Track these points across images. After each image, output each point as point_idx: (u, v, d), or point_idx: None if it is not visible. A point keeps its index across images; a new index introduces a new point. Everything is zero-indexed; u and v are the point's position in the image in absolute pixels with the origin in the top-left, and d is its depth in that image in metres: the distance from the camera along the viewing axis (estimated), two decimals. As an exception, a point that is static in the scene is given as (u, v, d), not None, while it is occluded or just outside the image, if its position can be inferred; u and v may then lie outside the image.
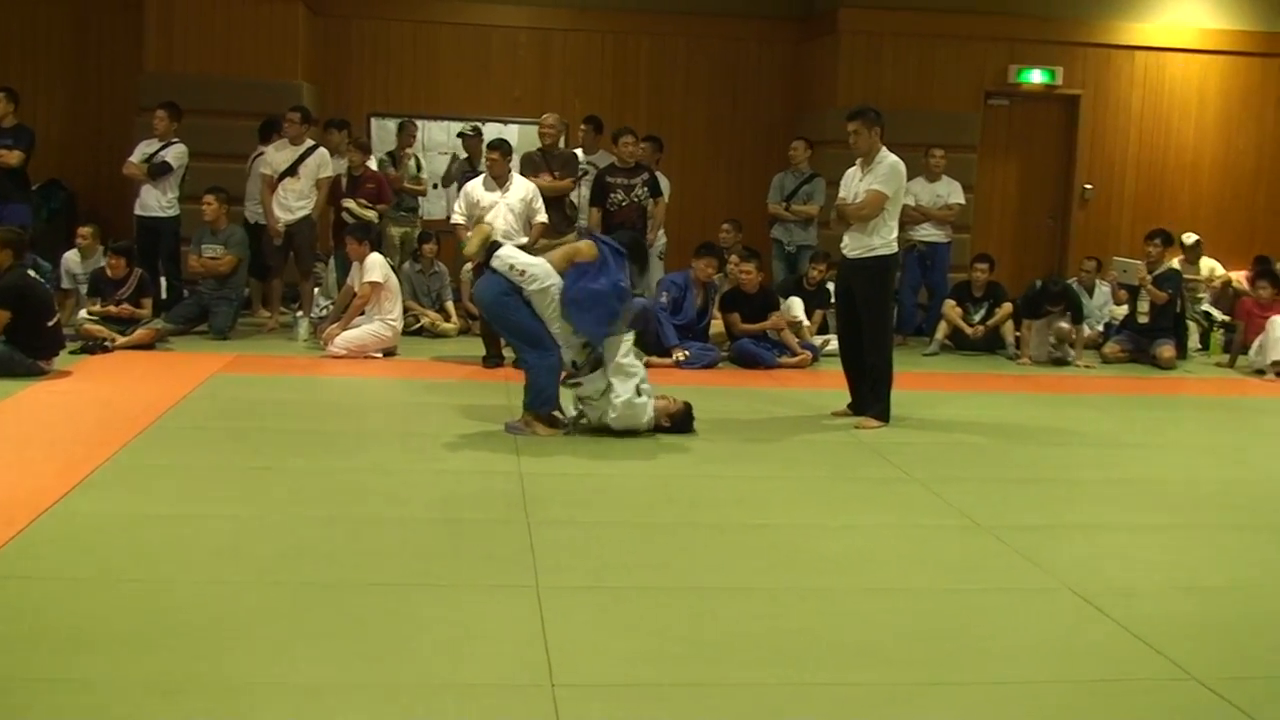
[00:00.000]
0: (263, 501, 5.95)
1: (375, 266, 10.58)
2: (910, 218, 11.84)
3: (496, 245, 7.81)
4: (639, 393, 7.57)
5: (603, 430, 7.67)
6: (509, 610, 4.56)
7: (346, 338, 10.38)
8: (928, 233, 12.61)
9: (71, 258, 11.36)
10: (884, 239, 8.33)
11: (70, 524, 5.42)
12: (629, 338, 7.71)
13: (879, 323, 8.43)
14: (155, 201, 11.62)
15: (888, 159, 8.33)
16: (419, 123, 13.74)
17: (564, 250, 7.86)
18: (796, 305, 11.47)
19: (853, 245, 8.41)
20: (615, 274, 7.65)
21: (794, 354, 10.93)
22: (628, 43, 14.74)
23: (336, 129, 12.25)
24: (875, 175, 8.29)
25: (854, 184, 8.45)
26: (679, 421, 7.83)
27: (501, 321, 7.98)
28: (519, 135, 13.33)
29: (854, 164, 8.53)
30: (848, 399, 8.65)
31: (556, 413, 7.75)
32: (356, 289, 10.55)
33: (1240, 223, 14.99)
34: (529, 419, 7.64)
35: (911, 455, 7.47)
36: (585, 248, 7.77)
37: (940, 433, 8.28)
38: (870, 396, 8.41)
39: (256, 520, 5.64)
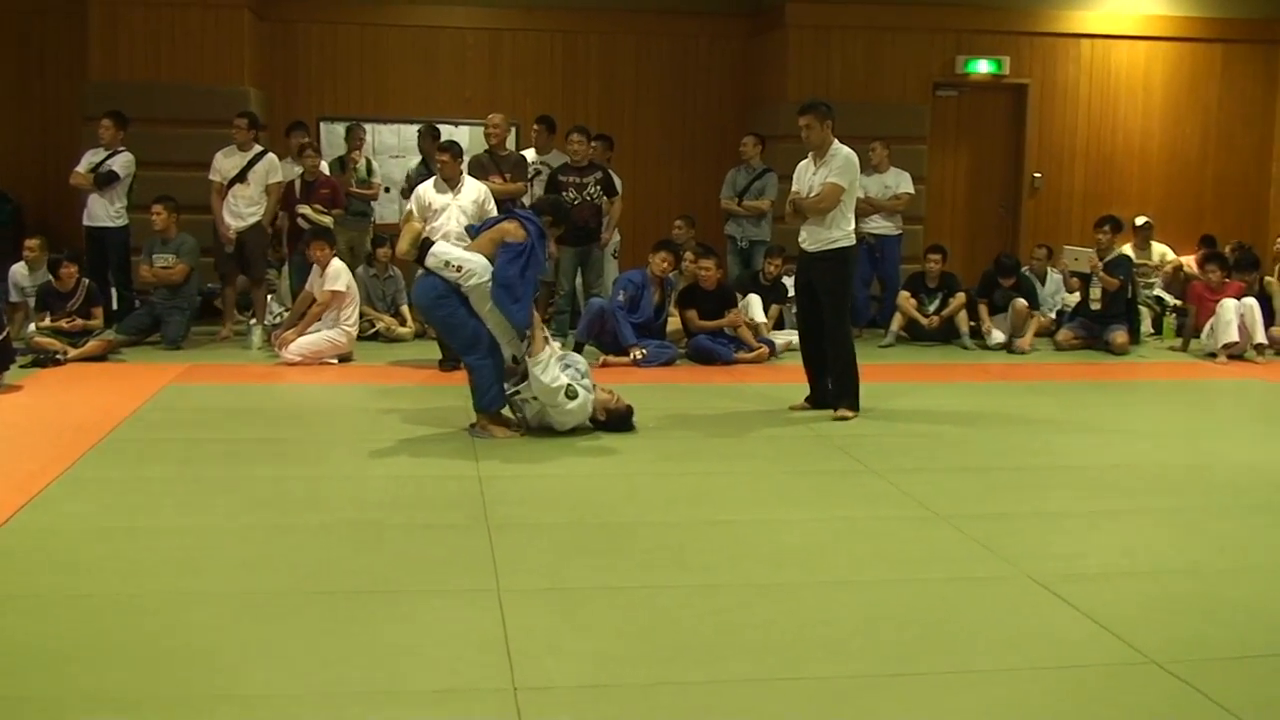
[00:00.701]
0: (218, 512, 5.91)
1: (339, 274, 10.52)
2: (860, 210, 11.88)
3: (429, 244, 7.75)
4: (572, 389, 7.51)
5: (559, 431, 7.66)
6: (470, 614, 4.55)
7: (302, 344, 10.32)
8: (877, 225, 12.64)
9: (19, 270, 11.24)
10: (843, 230, 8.35)
11: (24, 540, 5.37)
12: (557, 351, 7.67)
13: (839, 314, 8.46)
14: (103, 211, 11.52)
15: (841, 151, 8.35)
16: (369, 126, 13.69)
17: (491, 233, 7.74)
18: (755, 304, 11.48)
19: (811, 239, 8.42)
20: (538, 265, 7.68)
21: (751, 349, 10.95)
22: (577, 41, 14.71)
23: (300, 132, 12.17)
24: (830, 168, 8.30)
25: (807, 177, 8.46)
26: (615, 419, 7.79)
27: (440, 323, 7.96)
28: (470, 136, 13.28)
29: (806, 157, 8.55)
30: (805, 393, 8.67)
31: (506, 412, 7.72)
32: (316, 295, 10.47)
33: (1188, 207, 15.12)
34: (482, 421, 7.62)
35: (870, 447, 7.50)
36: (512, 228, 7.65)
37: (898, 424, 8.32)
38: (837, 388, 8.44)
39: (212, 531, 5.60)
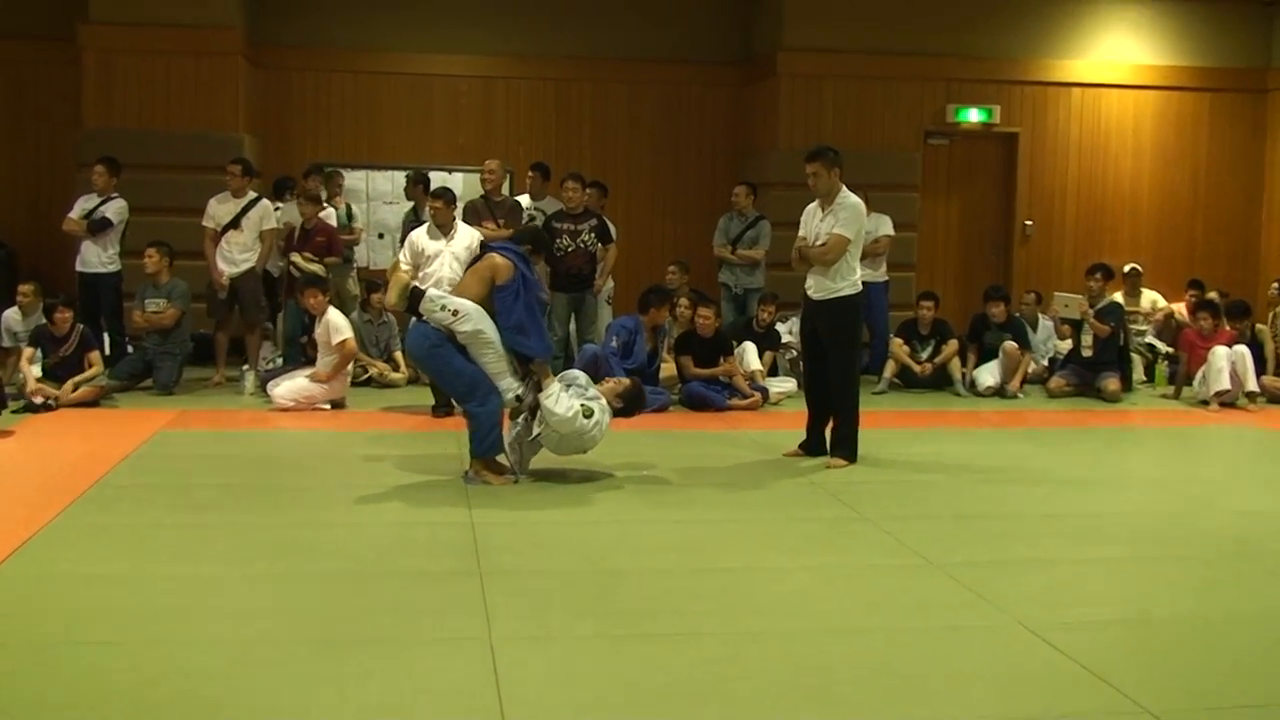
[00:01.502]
0: (210, 559, 5.88)
1: (343, 325, 10.54)
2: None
3: (419, 292, 7.68)
4: (587, 408, 7.47)
5: (555, 477, 7.65)
6: (461, 663, 4.52)
7: (294, 389, 10.32)
8: (862, 272, 12.60)
9: (12, 315, 11.24)
10: (847, 279, 8.37)
11: (14, 587, 5.34)
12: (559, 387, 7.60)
13: (846, 363, 8.46)
14: (96, 257, 11.53)
15: (848, 199, 8.35)
16: (362, 173, 13.74)
17: (480, 273, 7.66)
18: (750, 352, 11.49)
19: (817, 288, 8.43)
20: (535, 287, 7.68)
21: (745, 396, 10.95)
22: (570, 90, 14.80)
23: (317, 177, 12.18)
24: (837, 218, 8.29)
25: (814, 224, 8.46)
26: (631, 401, 7.84)
27: (436, 372, 7.94)
28: (463, 183, 13.33)
29: (812, 201, 8.55)
30: (799, 439, 8.67)
31: (501, 458, 7.70)
32: (321, 345, 10.47)
33: (1179, 254, 15.21)
34: (478, 467, 7.60)
35: (863, 494, 7.49)
36: (503, 266, 7.58)
37: (891, 471, 8.31)
38: (835, 436, 8.44)
39: (204, 579, 5.57)
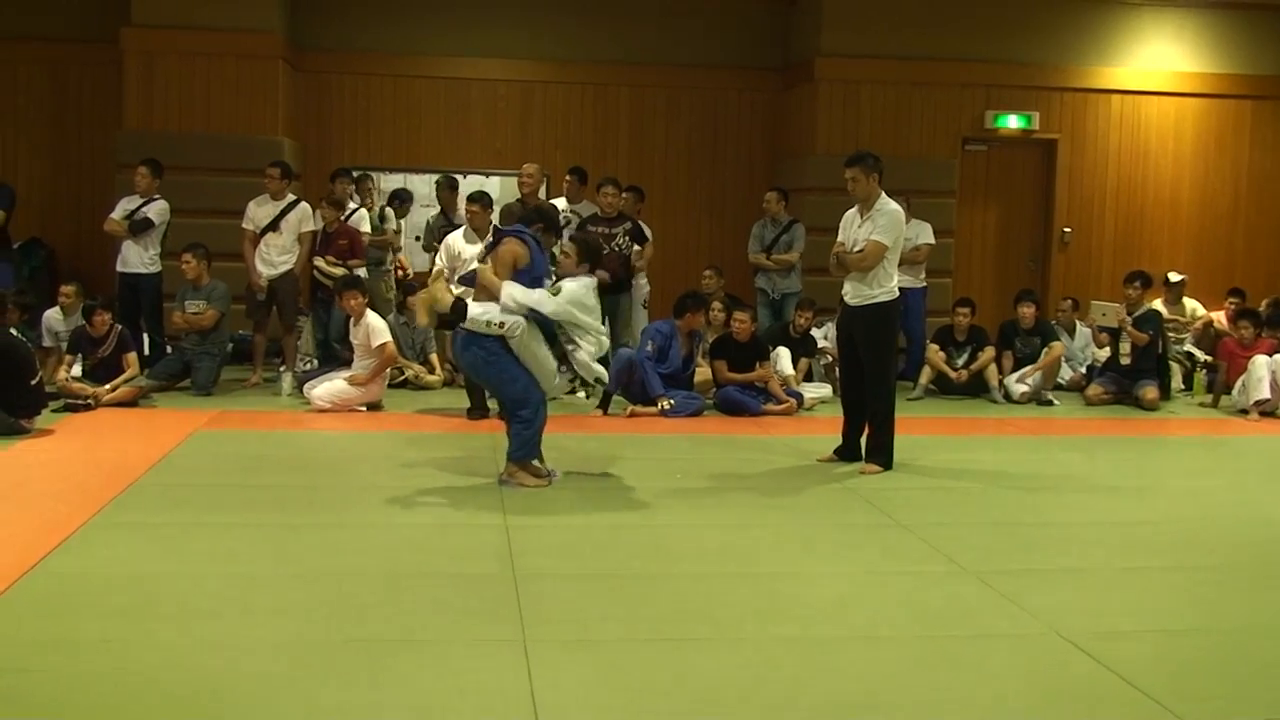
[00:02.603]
0: (245, 559, 5.92)
1: (384, 329, 10.59)
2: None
3: (463, 305, 7.57)
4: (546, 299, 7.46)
5: (590, 480, 7.67)
6: (495, 665, 4.54)
7: (331, 391, 10.37)
8: (900, 279, 12.58)
9: (53, 315, 11.32)
10: (884, 286, 8.36)
11: (52, 584, 5.38)
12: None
13: (881, 369, 8.45)
14: (137, 258, 11.62)
15: (888, 206, 8.34)
16: (400, 176, 13.81)
17: (502, 259, 7.55)
18: (784, 357, 11.46)
19: (854, 294, 8.43)
20: (540, 267, 7.64)
21: (779, 401, 10.93)
22: (608, 94, 14.80)
23: (345, 178, 12.24)
24: (875, 224, 8.29)
25: (853, 230, 8.46)
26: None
27: (492, 382, 7.89)
28: (500, 187, 13.37)
29: (851, 206, 8.54)
30: (834, 444, 8.65)
31: (537, 462, 7.72)
32: (359, 348, 10.52)
33: (1219, 262, 15.08)
34: (513, 469, 7.62)
35: (898, 500, 7.47)
36: (519, 250, 7.53)
37: (926, 477, 8.28)
38: (871, 442, 8.43)
39: (240, 577, 5.61)
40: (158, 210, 11.63)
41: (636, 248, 11.66)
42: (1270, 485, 8.85)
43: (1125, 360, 12.03)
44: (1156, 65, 14.83)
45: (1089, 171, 14.92)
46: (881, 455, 8.35)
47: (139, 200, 11.65)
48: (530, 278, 7.50)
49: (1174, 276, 14.04)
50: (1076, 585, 5.86)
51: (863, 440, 8.51)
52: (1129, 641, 4.99)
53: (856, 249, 8.35)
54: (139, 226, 11.54)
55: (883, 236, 8.26)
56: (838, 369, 9.01)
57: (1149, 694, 4.37)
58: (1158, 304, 13.23)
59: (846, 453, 8.58)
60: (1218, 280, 14.61)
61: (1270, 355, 11.42)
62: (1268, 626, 5.32)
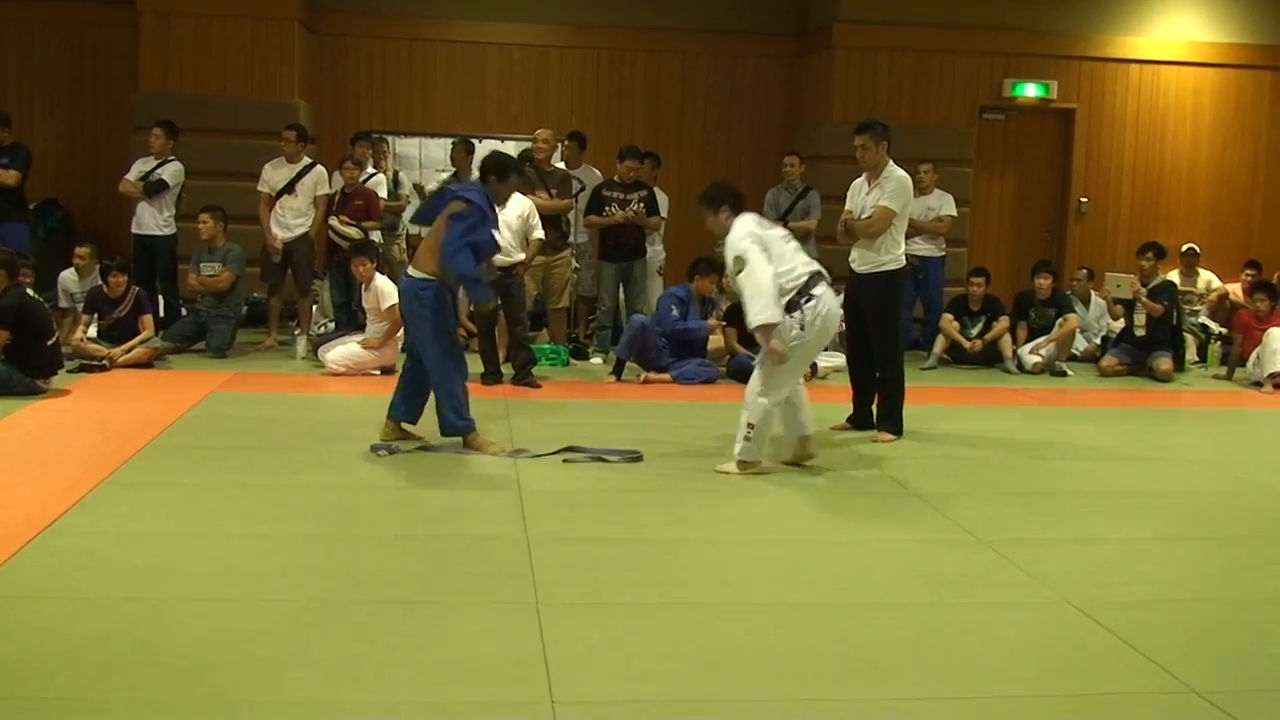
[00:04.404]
0: (259, 520, 5.95)
1: (393, 292, 10.54)
2: (902, 232, 11.91)
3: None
4: None
5: (600, 447, 7.68)
6: (508, 627, 4.56)
7: (346, 354, 10.38)
8: (920, 247, 12.57)
9: (69, 276, 11.35)
10: (892, 254, 8.35)
11: (68, 543, 5.42)
12: None
13: (889, 337, 8.45)
14: (152, 220, 11.64)
15: (895, 174, 8.32)
16: (415, 140, 13.80)
17: (439, 220, 7.50)
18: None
19: (861, 261, 8.42)
20: (490, 221, 7.55)
21: (792, 369, 10.91)
22: (624, 60, 14.75)
23: (364, 142, 12.19)
24: (883, 191, 8.27)
25: (860, 197, 8.45)
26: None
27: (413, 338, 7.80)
28: (515, 152, 13.31)
29: (860, 176, 8.52)
30: (847, 413, 8.65)
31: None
32: (370, 312, 10.49)
33: (1236, 234, 15.00)
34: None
35: (911, 470, 7.47)
36: (458, 207, 7.40)
37: (940, 447, 8.28)
38: (881, 410, 8.43)
39: (254, 538, 5.64)
40: (172, 172, 11.63)
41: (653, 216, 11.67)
42: (1284, 458, 8.84)
43: (1140, 331, 11.99)
44: (1176, 35, 14.72)
45: (1106, 141, 14.84)
46: (893, 422, 8.36)
47: (154, 162, 11.67)
48: (483, 232, 7.41)
49: (1186, 247, 13.96)
50: (1089, 554, 5.86)
51: (874, 408, 8.50)
52: (1141, 610, 4.99)
53: (864, 215, 8.34)
54: (153, 188, 11.55)
55: (890, 202, 8.24)
56: (847, 337, 8.99)
57: (1161, 663, 4.38)
58: (1173, 275, 13.18)
59: (859, 421, 8.58)
60: (1234, 252, 14.53)
61: (1286, 328, 11.38)
62: (1279, 597, 5.32)
